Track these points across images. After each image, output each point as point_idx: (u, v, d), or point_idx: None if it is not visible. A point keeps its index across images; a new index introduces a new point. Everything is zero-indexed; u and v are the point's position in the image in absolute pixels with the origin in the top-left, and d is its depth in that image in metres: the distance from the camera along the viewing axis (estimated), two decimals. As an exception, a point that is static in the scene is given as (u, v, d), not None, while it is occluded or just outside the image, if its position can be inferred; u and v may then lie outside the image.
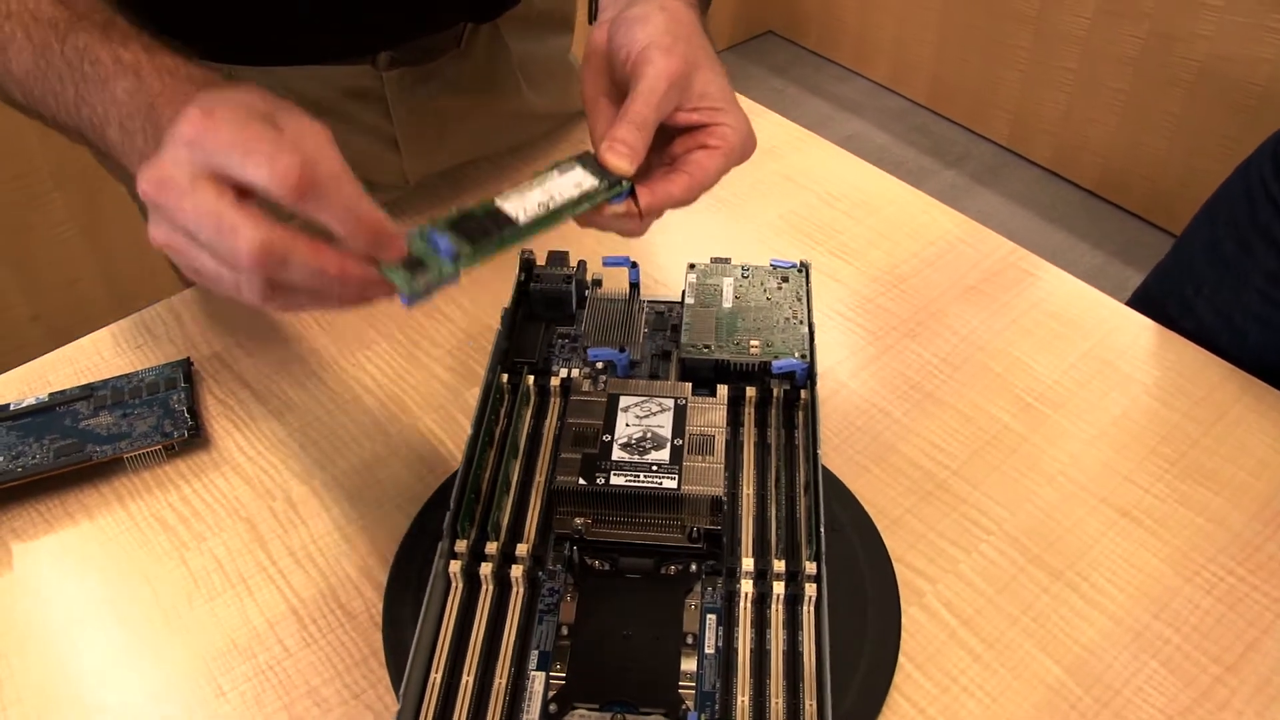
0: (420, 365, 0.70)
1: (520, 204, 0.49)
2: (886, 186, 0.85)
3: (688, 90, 0.53)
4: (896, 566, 0.58)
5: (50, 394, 0.67)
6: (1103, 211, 2.24)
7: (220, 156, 0.42)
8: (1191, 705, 0.52)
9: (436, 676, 0.49)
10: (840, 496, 0.61)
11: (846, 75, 2.71)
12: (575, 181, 0.51)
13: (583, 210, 0.50)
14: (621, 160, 0.50)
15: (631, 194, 0.51)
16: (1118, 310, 0.74)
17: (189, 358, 0.70)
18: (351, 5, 0.70)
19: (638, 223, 0.53)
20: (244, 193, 0.43)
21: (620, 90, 0.53)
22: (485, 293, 0.75)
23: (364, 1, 0.70)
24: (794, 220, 0.81)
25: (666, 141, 0.55)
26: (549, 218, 0.49)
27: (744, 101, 0.94)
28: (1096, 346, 0.71)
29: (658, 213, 0.53)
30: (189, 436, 0.64)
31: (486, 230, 0.48)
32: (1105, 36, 2.10)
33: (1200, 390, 0.68)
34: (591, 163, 0.51)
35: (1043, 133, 2.33)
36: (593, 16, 0.61)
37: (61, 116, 0.54)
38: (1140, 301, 0.80)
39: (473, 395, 0.68)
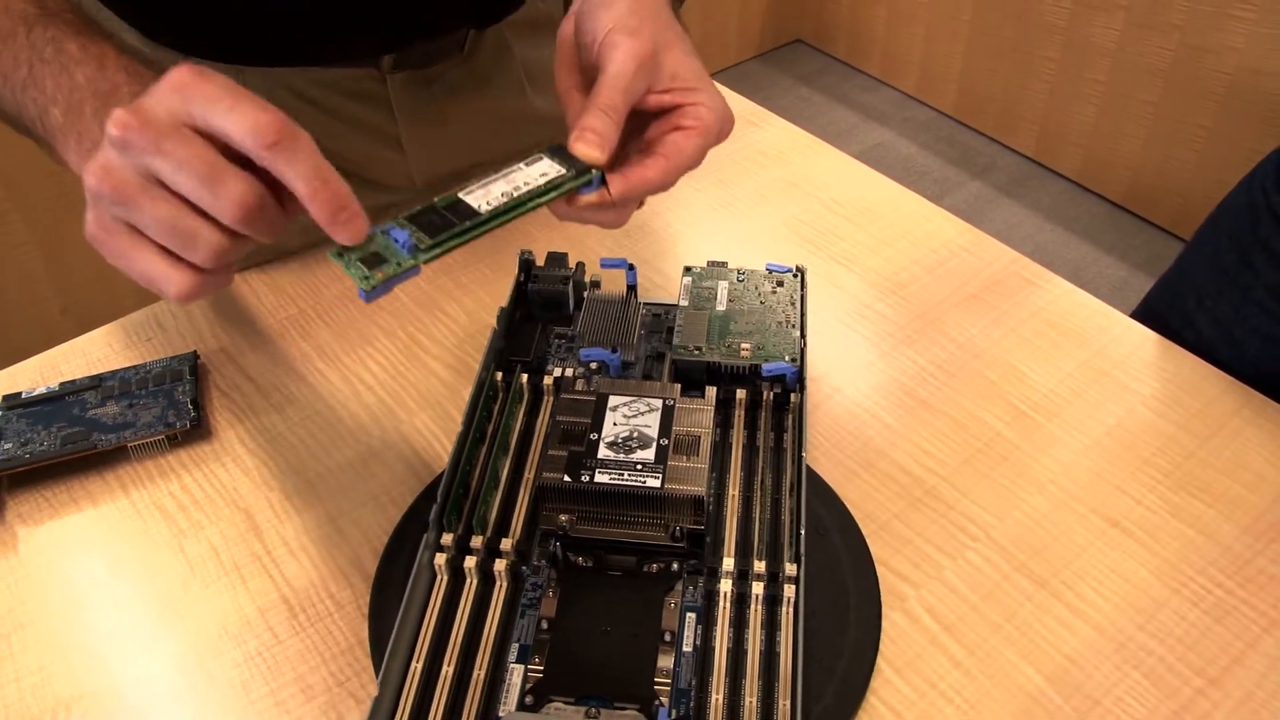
0: (419, 363, 0.71)
1: (484, 196, 0.49)
2: (892, 194, 0.85)
3: (657, 72, 0.52)
4: (880, 571, 0.58)
5: (60, 383, 0.68)
6: (1130, 225, 2.22)
7: (204, 105, 0.43)
8: (1171, 718, 0.52)
9: (417, 666, 0.50)
10: (827, 501, 0.61)
11: (874, 85, 2.71)
12: (541, 171, 0.50)
13: (550, 199, 0.50)
14: (591, 149, 0.50)
15: (603, 182, 0.51)
16: (1118, 320, 0.73)
17: (196, 351, 0.71)
18: (356, 10, 0.72)
19: (615, 213, 0.52)
20: None
21: (591, 80, 0.53)
22: (486, 292, 0.76)
23: (368, 7, 0.72)
24: (796, 226, 0.82)
25: (642, 126, 0.54)
26: (513, 206, 0.49)
27: (753, 109, 0.94)
28: (1094, 356, 0.71)
29: (635, 200, 0.52)
30: (191, 427, 0.65)
31: (448, 222, 0.48)
32: (1135, 49, 2.08)
33: (1198, 402, 0.68)
34: (561, 154, 0.51)
35: (1070, 145, 2.31)
36: (566, 7, 0.61)
37: (5, 100, 0.55)
38: (1143, 313, 0.79)
39: (469, 393, 0.68)
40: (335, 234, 0.44)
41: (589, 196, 0.51)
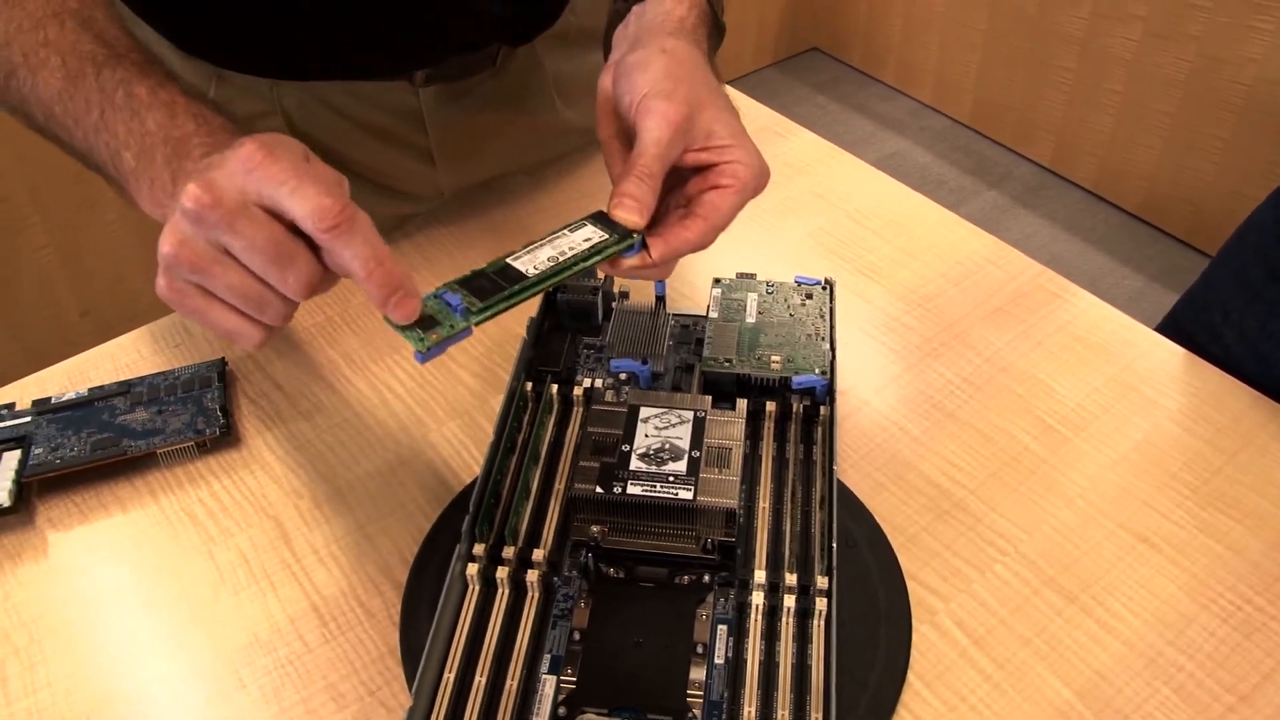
0: (448, 372, 0.71)
1: (531, 261, 0.51)
2: (917, 206, 0.85)
3: (693, 132, 0.53)
4: (910, 584, 0.58)
5: (90, 389, 0.69)
6: (1146, 235, 2.22)
7: (272, 186, 0.45)
8: (1202, 733, 0.52)
9: (449, 676, 0.50)
10: (856, 513, 0.62)
11: (890, 94, 2.71)
12: (585, 237, 0.52)
13: (594, 263, 0.52)
14: (630, 214, 0.51)
15: (644, 245, 0.53)
16: (1145, 335, 0.73)
17: (224, 358, 0.71)
18: (390, 27, 0.72)
19: (658, 270, 0.54)
20: None
21: (629, 134, 0.54)
22: (514, 301, 0.76)
23: (402, 24, 0.72)
24: (822, 238, 0.82)
25: (680, 182, 0.55)
26: (559, 270, 0.51)
27: (775, 118, 0.95)
28: (1122, 371, 0.71)
29: (675, 259, 0.54)
30: (220, 434, 0.66)
31: (497, 286, 0.49)
32: (1152, 59, 2.08)
33: (1225, 417, 0.68)
34: (604, 220, 0.53)
35: (1086, 155, 2.31)
36: (606, 56, 0.62)
37: (78, 140, 0.56)
38: (1169, 328, 0.79)
39: (498, 402, 0.68)
40: (389, 313, 0.47)
41: (631, 260, 0.53)
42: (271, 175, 0.45)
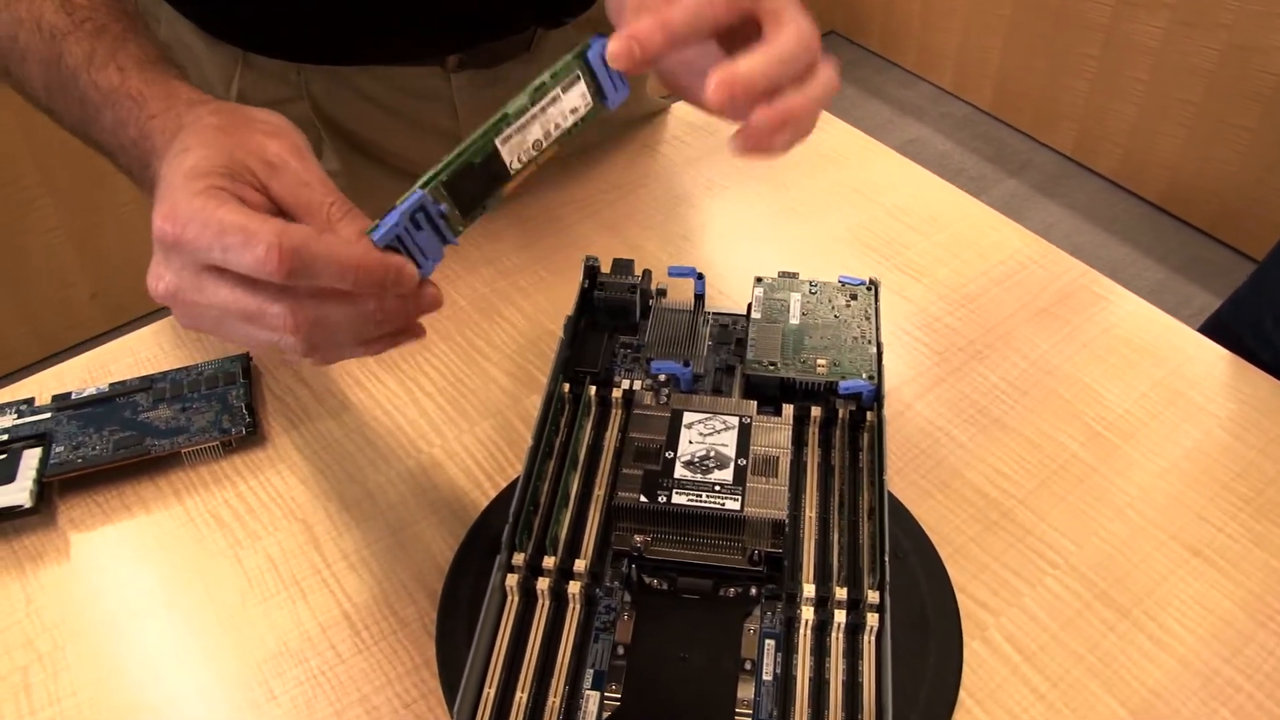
0: (479, 369, 0.70)
1: (519, 145, 0.46)
2: (955, 201, 0.83)
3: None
4: (959, 597, 0.56)
5: (111, 384, 0.67)
6: (1168, 226, 2.20)
7: (203, 255, 0.42)
8: (1263, 757, 0.50)
9: (490, 692, 0.49)
10: (903, 522, 0.60)
11: (910, 79, 2.68)
12: (572, 107, 0.47)
13: (572, 135, 0.47)
14: (620, 58, 0.46)
15: (601, 51, 0.47)
16: (1192, 338, 0.72)
17: (247, 353, 0.69)
18: (424, 8, 0.70)
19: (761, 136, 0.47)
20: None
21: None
22: (545, 297, 0.74)
23: (437, 7, 0.70)
24: (861, 234, 0.80)
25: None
26: (539, 157, 0.47)
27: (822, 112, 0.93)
28: (1169, 375, 0.69)
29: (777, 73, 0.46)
30: (247, 433, 0.64)
31: (481, 188, 0.46)
32: (1179, 48, 2.05)
33: (1277, 426, 0.66)
34: (594, 65, 0.47)
35: (1109, 143, 2.28)
36: None
37: (80, 131, 0.54)
38: (1215, 330, 0.77)
39: (532, 402, 0.67)
40: (395, 291, 0.44)
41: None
42: (195, 245, 0.41)
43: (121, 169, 0.52)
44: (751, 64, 0.45)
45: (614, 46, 0.45)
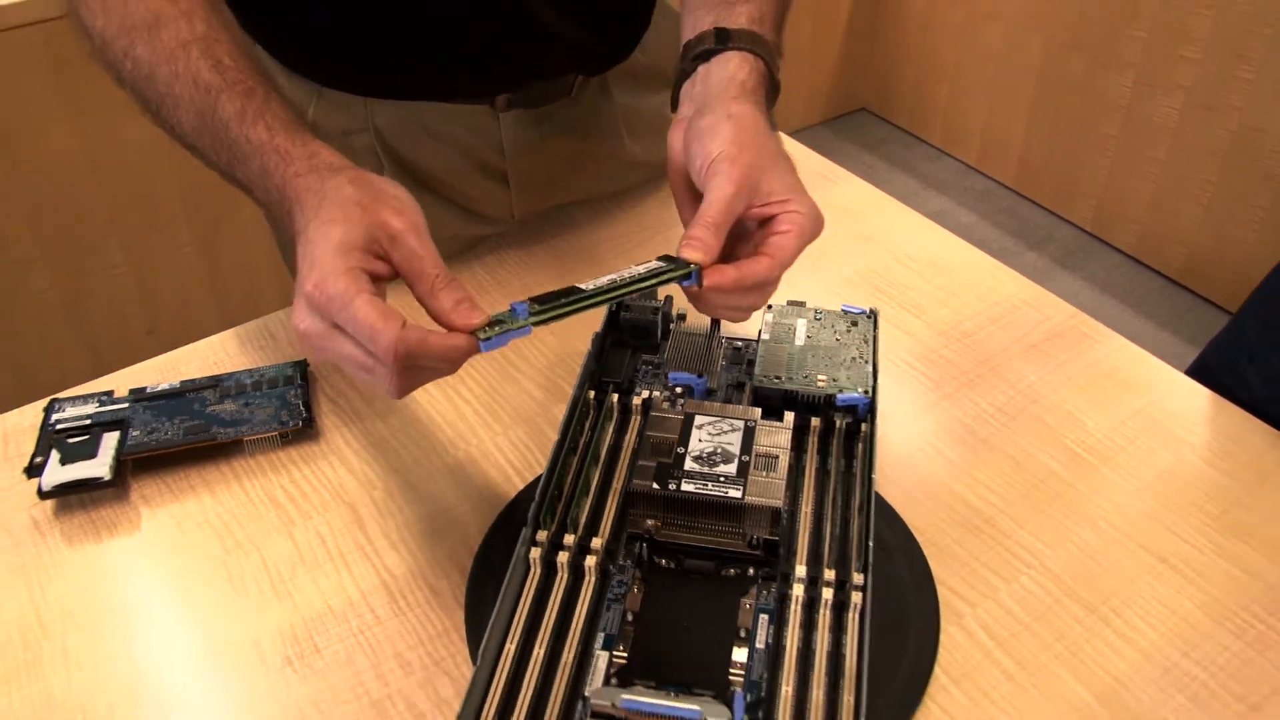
0: (514, 382, 0.77)
1: (593, 282, 0.58)
2: (958, 250, 0.90)
3: (756, 191, 0.60)
4: (940, 589, 0.62)
5: (182, 381, 0.75)
6: (1185, 300, 2.25)
7: (338, 318, 0.53)
8: (1213, 739, 0.55)
9: (511, 647, 0.55)
10: (892, 523, 0.66)
11: (936, 155, 2.77)
12: (649, 268, 0.59)
13: (649, 287, 0.58)
14: (695, 252, 0.58)
15: (698, 278, 0.59)
16: (1171, 375, 0.77)
17: (305, 360, 0.77)
18: (479, 50, 0.79)
19: (735, 299, 0.61)
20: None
21: (699, 190, 0.61)
22: (577, 321, 0.81)
23: (490, 48, 0.79)
24: (868, 275, 0.87)
25: (747, 237, 0.62)
26: (615, 289, 0.57)
27: (827, 165, 1.00)
28: (1148, 406, 0.75)
29: (745, 290, 0.60)
30: (302, 426, 0.71)
31: (558, 297, 0.56)
32: (1195, 128, 2.13)
33: (1246, 454, 0.71)
34: (669, 259, 0.59)
35: (1127, 219, 2.35)
36: (674, 106, 0.69)
37: (225, 171, 0.64)
38: (1197, 371, 0.83)
39: (560, 410, 0.74)
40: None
41: (692, 288, 0.59)
42: (333, 312, 0.52)
43: (258, 203, 0.64)
44: (759, 271, 0.60)
45: (686, 253, 0.59)
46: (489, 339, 0.54)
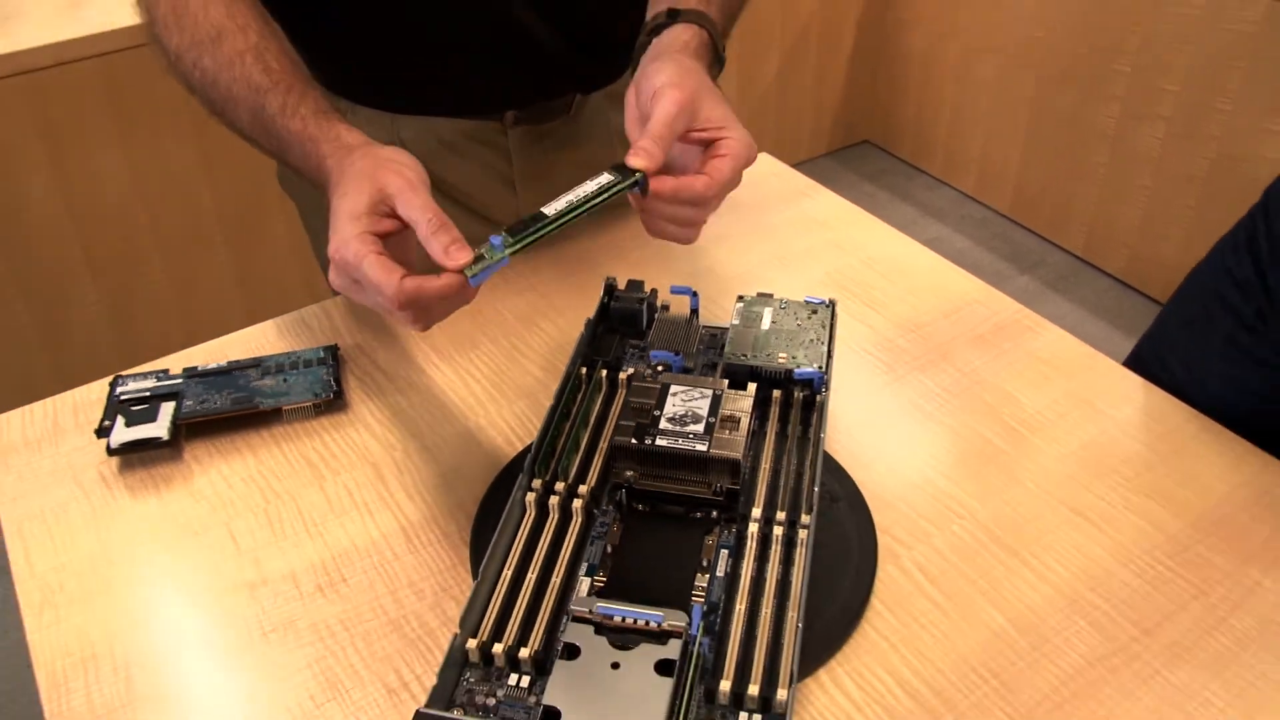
0: (518, 364, 0.87)
1: (554, 205, 0.66)
2: (922, 256, 1.00)
3: (696, 116, 0.69)
4: (880, 536, 0.72)
5: (228, 362, 0.85)
6: (1173, 323, 2.33)
7: (355, 276, 0.63)
8: (1108, 655, 0.65)
9: (507, 572, 0.65)
10: (843, 481, 0.75)
11: (935, 184, 2.87)
12: (599, 182, 0.67)
13: (604, 200, 0.66)
14: (639, 159, 0.67)
15: (644, 187, 0.67)
16: (1103, 361, 0.87)
17: (336, 344, 0.88)
18: (488, 75, 0.91)
19: (685, 229, 0.70)
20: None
21: (647, 119, 0.70)
22: (575, 312, 0.92)
23: (497, 73, 0.91)
24: (836, 277, 0.97)
25: (689, 163, 0.71)
26: (576, 209, 0.66)
27: (809, 183, 1.10)
28: (1080, 388, 0.84)
29: (682, 202, 0.68)
30: (333, 399, 0.82)
31: (525, 225, 0.65)
32: (1176, 157, 2.23)
33: (1163, 428, 0.81)
34: (620, 169, 0.68)
35: (1117, 244, 2.45)
36: (633, 71, 0.79)
37: (279, 158, 0.76)
38: (1132, 362, 0.93)
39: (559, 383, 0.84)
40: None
41: (638, 195, 0.68)
42: (353, 272, 0.62)
43: (310, 183, 0.74)
44: (696, 188, 0.69)
45: (632, 161, 0.67)
46: (475, 274, 0.63)
